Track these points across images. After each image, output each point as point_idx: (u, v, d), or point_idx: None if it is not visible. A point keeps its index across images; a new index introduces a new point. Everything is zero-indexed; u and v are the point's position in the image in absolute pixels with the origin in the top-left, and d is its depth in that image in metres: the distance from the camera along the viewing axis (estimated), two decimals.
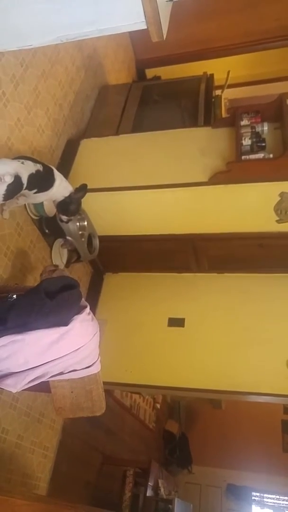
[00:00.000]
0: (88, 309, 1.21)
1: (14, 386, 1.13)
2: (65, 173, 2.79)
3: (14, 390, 1.14)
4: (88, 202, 2.76)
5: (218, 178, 2.46)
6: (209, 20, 4.26)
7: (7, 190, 1.76)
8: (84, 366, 1.27)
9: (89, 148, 2.94)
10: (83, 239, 2.83)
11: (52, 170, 2.11)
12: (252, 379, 2.79)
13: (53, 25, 1.48)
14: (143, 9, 1.41)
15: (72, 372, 1.26)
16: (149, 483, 3.96)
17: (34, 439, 2.62)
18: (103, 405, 1.38)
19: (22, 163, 1.86)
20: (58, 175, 2.13)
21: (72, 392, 1.33)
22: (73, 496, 3.21)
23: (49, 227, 2.69)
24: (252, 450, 5.44)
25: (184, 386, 2.95)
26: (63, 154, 2.93)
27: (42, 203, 2.50)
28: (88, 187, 2.73)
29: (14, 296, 1.04)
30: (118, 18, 1.45)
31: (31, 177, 1.86)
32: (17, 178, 1.77)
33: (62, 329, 1.10)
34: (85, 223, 2.83)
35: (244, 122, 2.59)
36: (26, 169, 1.84)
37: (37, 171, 1.92)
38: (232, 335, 3.01)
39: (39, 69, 2.69)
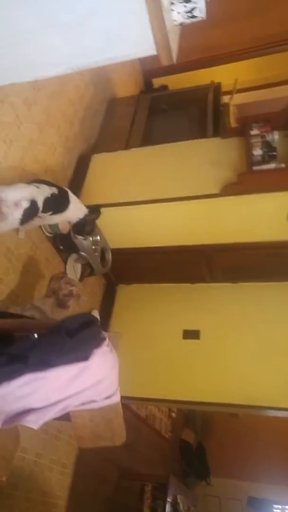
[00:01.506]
0: (107, 341, 1.21)
1: (36, 422, 1.14)
2: (78, 189, 2.82)
3: (35, 427, 1.14)
4: (101, 216, 2.77)
5: (229, 190, 2.45)
6: (215, 27, 4.24)
7: (23, 215, 1.78)
8: (104, 397, 1.26)
9: (100, 163, 2.96)
10: (96, 254, 2.85)
11: (67, 192, 2.12)
12: (270, 392, 2.74)
13: (66, 55, 1.50)
14: (153, 36, 1.41)
15: (92, 403, 1.26)
16: (168, 499, 3.90)
17: (52, 457, 2.62)
18: (123, 434, 1.37)
19: (38, 187, 1.88)
20: (72, 197, 2.15)
21: (92, 421, 1.32)
22: None
23: (63, 243, 2.71)
24: (272, 460, 5.29)
25: (200, 400, 2.92)
26: (75, 170, 2.96)
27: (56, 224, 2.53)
28: (100, 202, 2.76)
29: (35, 335, 1.05)
30: (129, 46, 1.46)
31: (47, 200, 1.88)
32: (33, 203, 1.79)
33: (82, 364, 1.10)
34: (98, 237, 2.84)
35: (254, 132, 2.56)
36: (41, 193, 1.86)
37: (52, 195, 1.94)
38: (249, 346, 2.97)
39: (50, 90, 2.72)
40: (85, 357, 1.09)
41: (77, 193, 2.80)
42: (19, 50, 1.42)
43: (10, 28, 1.39)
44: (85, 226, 2.29)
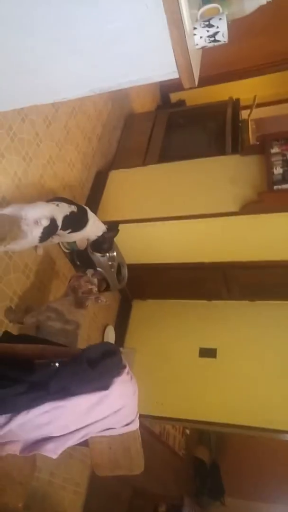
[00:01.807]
0: (127, 369, 1.19)
1: (54, 451, 1.12)
2: (95, 205, 2.83)
3: (54, 456, 1.13)
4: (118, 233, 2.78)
5: (249, 208, 2.42)
6: (232, 42, 4.25)
7: (43, 233, 1.80)
8: (123, 424, 1.24)
9: (118, 179, 2.97)
10: (112, 269, 2.84)
11: (86, 210, 2.13)
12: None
13: (87, 79, 1.51)
14: (175, 60, 1.41)
15: (110, 430, 1.24)
16: None
17: (65, 476, 2.59)
18: (141, 463, 1.34)
19: (57, 205, 1.89)
20: (91, 216, 2.16)
21: (110, 448, 1.30)
22: None
23: (80, 259, 2.71)
24: None
25: (215, 421, 2.86)
26: (92, 186, 2.98)
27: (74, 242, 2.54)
28: (118, 218, 2.77)
29: (57, 364, 1.04)
30: (151, 69, 1.46)
31: (66, 218, 1.89)
32: (53, 221, 1.80)
33: (103, 393, 1.08)
34: (114, 253, 2.84)
35: (275, 150, 2.54)
36: (61, 211, 1.87)
37: (72, 213, 1.95)
38: (267, 367, 2.91)
39: (69, 107, 2.76)
40: (105, 387, 1.08)
41: (94, 209, 2.81)
42: (41, 74, 1.44)
43: (33, 53, 1.41)
44: (104, 243, 2.29)
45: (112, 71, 1.45)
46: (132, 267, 2.96)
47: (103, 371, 1.07)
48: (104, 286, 3.00)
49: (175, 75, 1.47)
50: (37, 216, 1.77)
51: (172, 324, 3.32)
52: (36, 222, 1.77)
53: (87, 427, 1.13)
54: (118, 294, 3.50)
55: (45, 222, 1.78)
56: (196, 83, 1.54)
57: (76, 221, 2.03)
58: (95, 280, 2.29)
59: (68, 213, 1.93)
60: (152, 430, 4.17)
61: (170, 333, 3.28)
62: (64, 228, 1.95)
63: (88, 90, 1.54)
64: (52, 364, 1.04)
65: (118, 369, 1.14)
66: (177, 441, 5.00)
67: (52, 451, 1.12)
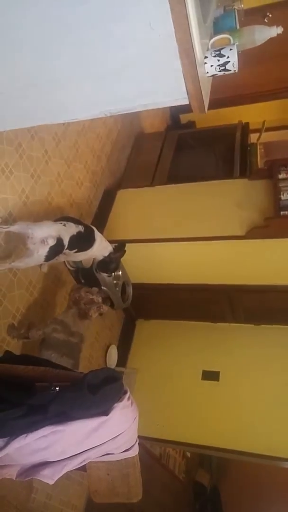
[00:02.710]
0: (128, 394, 1.18)
1: (51, 477, 1.10)
2: (102, 223, 2.85)
3: (51, 482, 1.11)
4: None
5: (255, 233, 2.42)
6: (245, 67, 4.32)
7: (49, 252, 1.80)
8: (122, 450, 1.21)
9: (126, 198, 3.00)
10: (117, 288, 2.84)
11: (93, 230, 2.14)
12: None
13: (98, 101, 1.54)
14: (186, 87, 1.44)
15: (109, 455, 1.21)
16: None
17: (62, 498, 2.53)
18: (139, 491, 1.31)
19: (64, 225, 1.91)
20: (98, 236, 2.17)
21: (108, 474, 1.27)
22: None
23: (85, 277, 2.71)
24: None
25: (217, 446, 2.81)
26: (100, 204, 3.00)
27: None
28: (124, 237, 2.77)
29: (57, 388, 1.03)
30: (162, 95, 1.49)
31: (73, 238, 1.90)
32: (59, 241, 1.81)
33: (102, 418, 1.06)
34: (120, 272, 2.84)
35: (282, 175, 2.55)
36: (67, 231, 1.89)
37: (78, 233, 1.96)
38: (270, 392, 2.86)
39: (79, 125, 2.80)
40: (105, 412, 1.06)
41: (101, 228, 2.83)
42: (52, 95, 1.47)
43: (47, 75, 1.44)
44: (110, 264, 2.29)
45: (122, 95, 1.48)
46: (137, 287, 2.96)
47: (104, 397, 1.05)
48: (109, 304, 3.00)
49: (185, 101, 1.49)
50: (44, 235, 1.79)
51: (176, 345, 3.29)
52: (43, 241, 1.79)
53: (86, 452, 1.11)
54: (122, 313, 3.48)
55: (52, 242, 1.79)
56: (206, 110, 1.57)
57: (82, 241, 2.04)
58: (95, 290, 2.29)
59: (75, 233, 1.95)
60: (152, 452, 4.08)
61: (173, 354, 3.25)
62: (70, 248, 1.96)
63: (99, 112, 1.57)
64: (52, 388, 1.03)
65: (119, 395, 1.13)
66: (177, 464, 4.88)
67: (49, 477, 1.10)
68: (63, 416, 1.02)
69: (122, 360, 3.28)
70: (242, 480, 5.44)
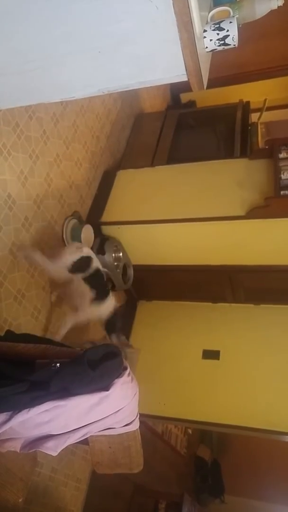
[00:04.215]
0: (128, 371, 1.20)
1: (54, 449, 1.14)
2: (102, 204, 2.84)
3: (54, 454, 1.15)
4: (124, 233, 2.79)
5: (255, 213, 2.41)
6: (245, 44, 4.21)
7: (76, 262, 2.03)
8: (123, 424, 1.25)
9: (125, 179, 2.98)
10: (118, 270, 2.85)
11: (108, 290, 2.29)
12: None
13: (95, 79, 1.51)
14: (184, 63, 1.41)
15: (110, 430, 1.25)
16: None
17: (67, 472, 2.62)
18: (141, 462, 1.36)
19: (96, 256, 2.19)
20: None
21: (110, 447, 1.31)
22: None
23: None
24: None
25: (218, 422, 2.86)
26: (100, 185, 2.98)
27: (79, 235, 2.55)
28: (124, 219, 2.78)
29: (58, 364, 1.06)
30: (160, 71, 1.46)
31: (98, 271, 2.14)
32: (89, 258, 2.07)
33: (103, 393, 1.09)
34: (120, 254, 2.86)
35: (283, 155, 2.52)
36: (96, 262, 2.16)
37: (102, 273, 2.21)
38: (269, 370, 2.90)
39: (78, 105, 2.76)
40: (105, 388, 1.09)
41: (101, 209, 2.83)
42: (48, 73, 1.44)
43: (41, 51, 1.41)
44: (116, 322, 2.35)
45: (120, 71, 1.46)
46: (138, 268, 2.97)
47: (104, 373, 1.08)
48: (110, 286, 3.02)
49: (184, 78, 1.46)
50: (80, 245, 2.01)
51: (177, 326, 3.33)
52: (78, 247, 2.07)
53: (87, 426, 1.15)
54: (124, 295, 3.51)
55: (85, 251, 2.06)
56: (205, 86, 1.54)
57: (101, 285, 2.22)
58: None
59: (100, 268, 2.18)
60: (154, 429, 4.19)
61: (174, 334, 3.28)
62: (91, 283, 2.12)
63: (97, 90, 1.54)
64: (53, 364, 1.05)
65: (119, 371, 1.16)
66: (179, 440, 5.02)
67: (52, 449, 1.14)
68: (65, 392, 1.05)
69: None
70: (242, 454, 5.62)
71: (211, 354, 3.06)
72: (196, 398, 2.96)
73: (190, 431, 5.36)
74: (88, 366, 1.03)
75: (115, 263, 2.80)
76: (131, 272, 3.00)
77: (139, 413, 1.33)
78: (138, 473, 3.62)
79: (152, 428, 4.11)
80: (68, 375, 1.03)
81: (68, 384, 1.04)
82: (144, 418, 3.24)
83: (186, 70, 1.43)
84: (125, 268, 2.94)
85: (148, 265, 3.03)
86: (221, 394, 2.91)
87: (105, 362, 1.07)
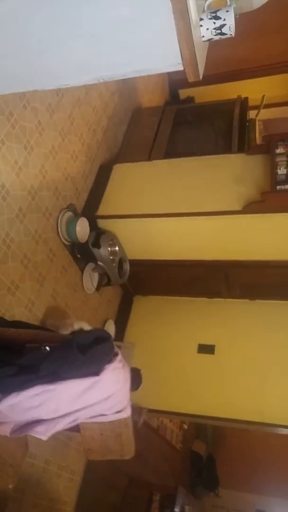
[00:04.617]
0: (119, 357, 1.20)
1: (44, 433, 1.14)
2: (98, 198, 2.84)
3: (44, 438, 1.15)
4: (120, 227, 2.79)
5: (252, 208, 2.41)
6: (245, 40, 4.22)
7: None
8: (114, 411, 1.25)
9: (122, 173, 2.97)
10: (114, 264, 2.85)
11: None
12: (283, 411, 2.69)
13: (90, 66, 1.50)
14: (180, 52, 1.40)
15: (102, 416, 1.25)
16: (175, 509, 3.89)
17: (61, 463, 2.62)
18: (132, 448, 1.36)
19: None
20: None
21: (101, 434, 1.32)
22: None
23: (81, 252, 2.72)
24: (282, 475, 5.21)
25: (212, 415, 2.89)
26: (96, 179, 2.98)
27: (74, 228, 2.54)
28: (120, 212, 2.77)
29: (48, 348, 1.05)
30: (155, 60, 1.45)
31: None
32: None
33: (93, 378, 1.09)
34: (116, 248, 2.85)
35: (280, 150, 2.52)
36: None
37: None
38: (263, 364, 2.92)
39: (74, 97, 2.74)
40: (96, 372, 1.09)
41: (97, 203, 2.83)
42: (42, 58, 1.42)
43: (34, 36, 1.40)
44: None
45: (115, 59, 1.44)
46: (134, 263, 2.98)
47: (94, 357, 1.08)
48: (106, 281, 3.02)
49: (179, 67, 1.45)
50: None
51: (172, 320, 3.33)
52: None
53: (77, 412, 1.15)
54: (120, 289, 3.51)
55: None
56: (201, 76, 1.53)
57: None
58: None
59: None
60: (150, 423, 4.20)
61: (169, 329, 3.29)
62: None
63: (91, 78, 1.53)
64: (42, 348, 1.05)
65: (110, 355, 1.16)
66: (174, 435, 5.04)
67: (42, 433, 1.14)
68: (55, 376, 1.05)
69: (119, 335, 3.33)
70: (237, 450, 5.70)
71: (206, 349, 3.07)
72: (191, 392, 2.98)
73: (185, 426, 5.39)
74: (78, 350, 1.03)
75: (111, 257, 2.80)
76: (127, 266, 3.00)
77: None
78: (132, 466, 3.65)
79: (147, 422, 4.12)
80: (57, 359, 1.03)
81: (58, 368, 1.04)
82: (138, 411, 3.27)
83: (182, 58, 1.43)
84: (121, 262, 2.94)
85: (144, 260, 3.03)
86: (216, 388, 2.93)
87: (95, 346, 1.07)
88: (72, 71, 1.54)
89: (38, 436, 1.15)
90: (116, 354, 1.19)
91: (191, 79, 1.50)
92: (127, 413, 1.30)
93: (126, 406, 1.29)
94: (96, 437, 1.32)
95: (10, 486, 1.26)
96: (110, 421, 1.28)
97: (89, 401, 1.14)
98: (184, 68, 1.46)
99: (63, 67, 1.55)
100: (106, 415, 1.25)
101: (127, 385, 1.25)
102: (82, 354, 1.03)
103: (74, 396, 1.10)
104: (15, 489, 2.15)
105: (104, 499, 3.29)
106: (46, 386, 1.04)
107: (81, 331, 1.08)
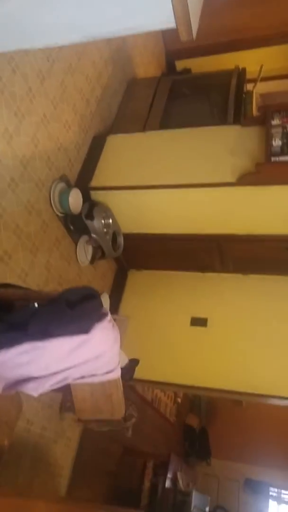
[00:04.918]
0: (109, 317, 1.22)
1: (36, 390, 1.16)
2: (91, 169, 2.80)
3: (35, 394, 1.17)
4: (113, 199, 2.77)
5: (246, 180, 2.39)
6: (243, 8, 4.09)
7: None
8: (104, 371, 1.28)
9: (116, 144, 2.93)
10: (107, 237, 2.85)
11: None
12: (274, 382, 2.75)
13: (79, 23, 1.45)
14: (173, 8, 1.36)
15: (92, 377, 1.27)
16: (168, 475, 4.04)
17: (57, 430, 2.69)
18: (122, 409, 1.39)
19: None
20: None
21: (92, 395, 1.34)
22: (94, 485, 3.30)
23: (74, 224, 2.71)
24: (271, 446, 5.41)
25: (204, 386, 2.95)
26: (89, 150, 2.93)
27: (67, 199, 2.52)
28: (114, 184, 2.75)
29: (36, 304, 1.06)
30: (146, 17, 1.40)
31: None
32: None
33: (83, 336, 1.11)
34: (110, 220, 2.84)
35: (275, 121, 2.48)
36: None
37: None
38: (255, 337, 2.97)
39: (66, 63, 2.67)
40: (85, 330, 1.10)
41: (90, 174, 2.79)
42: (29, 14, 1.36)
43: None
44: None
45: (104, 15, 1.39)
46: (128, 237, 2.97)
47: (83, 313, 1.09)
48: (100, 254, 3.02)
49: (171, 24, 1.41)
50: None
51: (166, 294, 3.36)
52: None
53: (68, 369, 1.17)
54: (114, 264, 3.52)
55: None
56: (194, 36, 1.48)
57: None
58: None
59: None
60: (144, 396, 4.29)
61: (163, 302, 3.32)
62: None
63: (81, 36, 1.48)
64: (30, 304, 1.06)
65: (98, 313, 1.17)
66: (168, 408, 5.16)
67: (34, 389, 1.16)
68: (44, 333, 1.06)
69: (114, 308, 3.36)
70: (228, 422, 5.93)
71: (198, 322, 3.11)
72: (184, 364, 3.03)
73: (179, 400, 5.52)
74: (66, 305, 1.03)
75: (105, 230, 2.79)
76: (121, 240, 2.99)
77: None
78: (128, 437, 3.70)
79: (141, 395, 4.21)
80: (46, 315, 1.04)
81: (47, 325, 1.05)
82: (133, 383, 3.34)
83: (174, 16, 1.38)
84: (114, 236, 2.93)
85: (138, 233, 3.03)
86: (208, 359, 2.98)
87: (84, 303, 1.08)
88: (61, 28, 1.49)
89: (29, 392, 1.17)
90: (105, 314, 1.20)
91: (184, 38, 1.45)
92: (117, 374, 1.32)
93: (116, 367, 1.31)
94: (87, 398, 1.35)
95: (5, 443, 1.30)
96: (100, 382, 1.31)
97: (79, 359, 1.16)
98: (177, 26, 1.42)
99: (51, 24, 1.50)
100: (96, 375, 1.27)
101: (117, 345, 1.27)
102: (70, 309, 1.04)
103: (64, 354, 1.12)
104: (13, 452, 2.22)
105: (100, 465, 3.40)
106: (35, 343, 1.06)
107: (70, 288, 1.09)
